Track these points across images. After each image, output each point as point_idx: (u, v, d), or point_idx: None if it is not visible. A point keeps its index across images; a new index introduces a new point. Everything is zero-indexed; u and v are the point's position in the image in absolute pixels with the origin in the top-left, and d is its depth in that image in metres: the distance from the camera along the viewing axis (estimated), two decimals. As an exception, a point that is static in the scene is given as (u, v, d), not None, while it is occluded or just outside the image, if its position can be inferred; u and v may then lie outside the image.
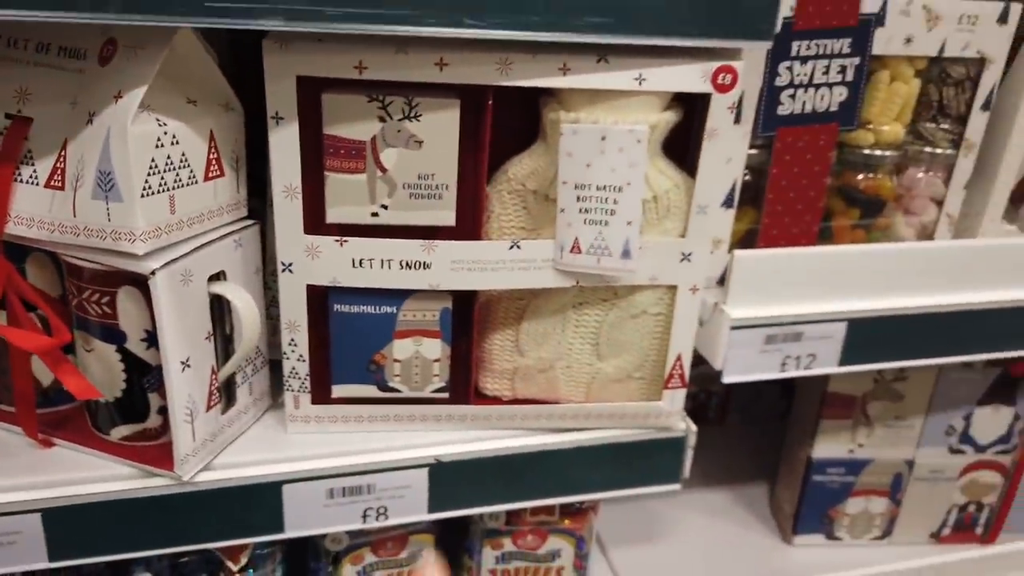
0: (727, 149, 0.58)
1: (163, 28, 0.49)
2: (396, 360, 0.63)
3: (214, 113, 0.56)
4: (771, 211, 0.69)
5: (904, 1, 0.65)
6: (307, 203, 0.57)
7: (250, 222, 0.60)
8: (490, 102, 0.55)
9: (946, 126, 0.73)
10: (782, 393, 1.09)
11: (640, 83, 0.55)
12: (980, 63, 0.70)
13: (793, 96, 0.66)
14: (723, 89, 0.56)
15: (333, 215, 0.58)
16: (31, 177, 0.53)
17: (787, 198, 0.69)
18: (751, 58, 0.61)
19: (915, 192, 0.74)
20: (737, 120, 0.64)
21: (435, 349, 0.63)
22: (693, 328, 0.64)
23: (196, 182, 0.55)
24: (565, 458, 0.67)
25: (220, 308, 0.59)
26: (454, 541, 0.79)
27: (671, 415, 0.67)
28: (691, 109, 0.58)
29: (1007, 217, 0.77)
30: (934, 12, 0.66)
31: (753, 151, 0.67)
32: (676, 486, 0.71)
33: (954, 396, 0.88)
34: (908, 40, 0.66)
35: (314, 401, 0.63)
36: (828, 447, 0.90)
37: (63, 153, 0.52)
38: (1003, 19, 0.68)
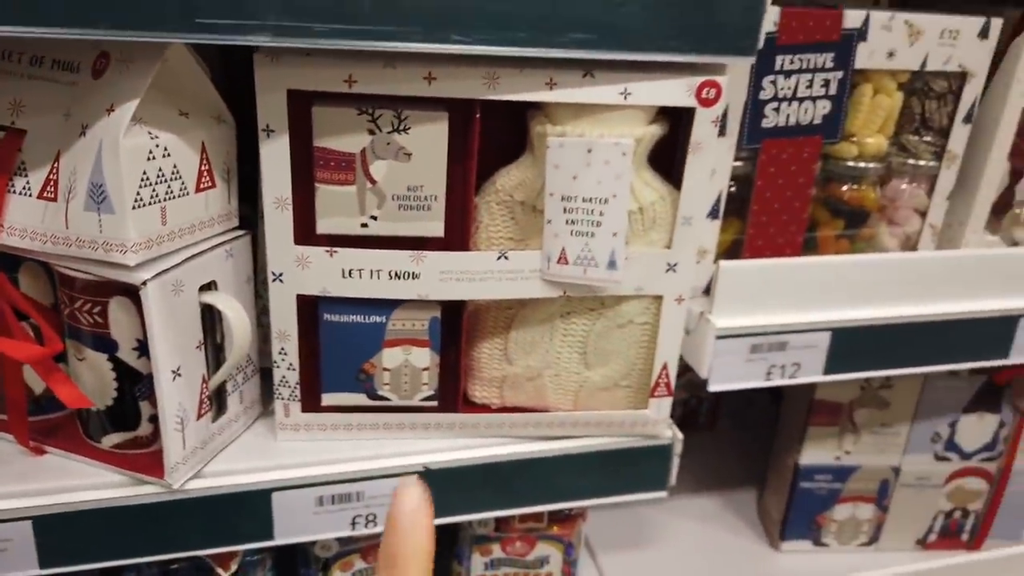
0: (712, 161, 0.59)
1: (155, 44, 0.50)
2: (385, 369, 0.64)
3: (206, 125, 0.57)
4: (756, 222, 0.70)
5: (886, 16, 0.66)
6: (297, 214, 0.57)
7: (241, 232, 0.61)
8: (478, 115, 0.56)
9: (929, 138, 0.74)
10: (772, 399, 1.10)
11: (625, 97, 0.56)
12: (962, 77, 0.71)
13: (777, 109, 0.67)
14: (707, 103, 0.57)
15: (323, 226, 0.59)
16: (24, 188, 0.54)
17: (772, 209, 0.70)
18: (735, 72, 0.62)
19: (899, 203, 0.75)
20: (722, 133, 0.65)
21: (424, 358, 0.64)
22: (679, 337, 0.65)
23: (187, 194, 0.55)
24: (552, 466, 0.68)
25: (211, 317, 0.60)
26: (444, 547, 0.80)
27: (657, 423, 0.68)
28: (676, 122, 0.59)
29: (989, 227, 0.78)
30: (916, 27, 0.67)
31: (738, 163, 0.68)
32: (663, 493, 0.72)
33: (940, 404, 0.89)
34: (890, 54, 0.67)
35: (304, 409, 0.64)
36: (815, 454, 0.91)
37: (56, 165, 0.53)
38: (984, 34, 0.69)
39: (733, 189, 0.69)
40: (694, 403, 1.11)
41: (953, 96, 0.72)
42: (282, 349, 0.61)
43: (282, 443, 0.65)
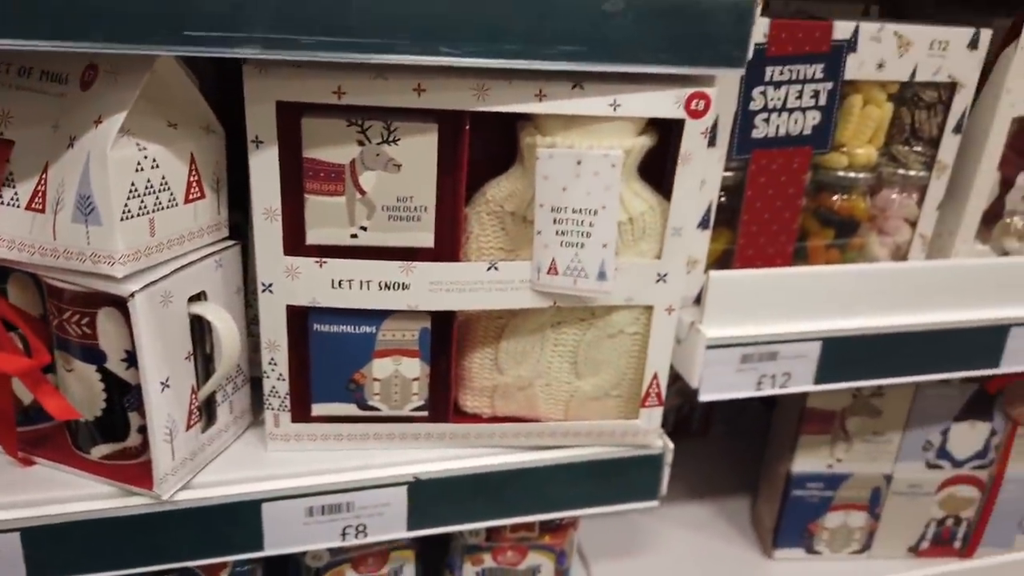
0: (701, 172, 0.59)
1: (144, 56, 0.50)
2: (376, 379, 0.63)
3: (195, 136, 0.57)
4: (746, 232, 0.70)
5: (875, 28, 0.66)
6: (287, 225, 0.57)
7: (231, 242, 0.61)
8: (467, 126, 0.56)
9: (919, 148, 0.74)
10: (766, 406, 1.10)
11: (615, 109, 0.56)
12: (951, 87, 0.71)
13: (767, 120, 0.67)
14: (696, 115, 0.57)
15: (313, 236, 0.58)
16: (12, 199, 0.54)
17: (762, 219, 0.70)
18: (725, 83, 0.62)
19: (889, 213, 0.75)
20: (712, 143, 0.65)
21: (414, 368, 0.64)
22: (669, 347, 0.65)
23: (176, 205, 0.55)
24: (543, 476, 0.68)
25: (201, 327, 0.60)
26: (435, 557, 0.80)
27: (648, 433, 0.68)
28: (666, 133, 0.59)
29: (979, 237, 0.79)
30: (905, 38, 0.67)
31: (728, 173, 0.68)
32: (654, 503, 0.72)
33: (931, 412, 0.90)
34: (880, 65, 0.68)
35: (294, 419, 0.64)
36: (807, 462, 0.91)
37: (44, 176, 0.53)
38: (973, 45, 0.70)
39: (723, 199, 0.69)
40: (687, 410, 1.11)
41: (943, 106, 0.72)
42: (272, 359, 0.61)
43: (272, 453, 0.65)
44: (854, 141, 0.71)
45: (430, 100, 0.54)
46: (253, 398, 0.67)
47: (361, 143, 0.56)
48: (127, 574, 0.61)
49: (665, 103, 0.56)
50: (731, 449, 1.12)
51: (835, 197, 0.73)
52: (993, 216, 0.80)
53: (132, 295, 0.52)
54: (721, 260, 0.72)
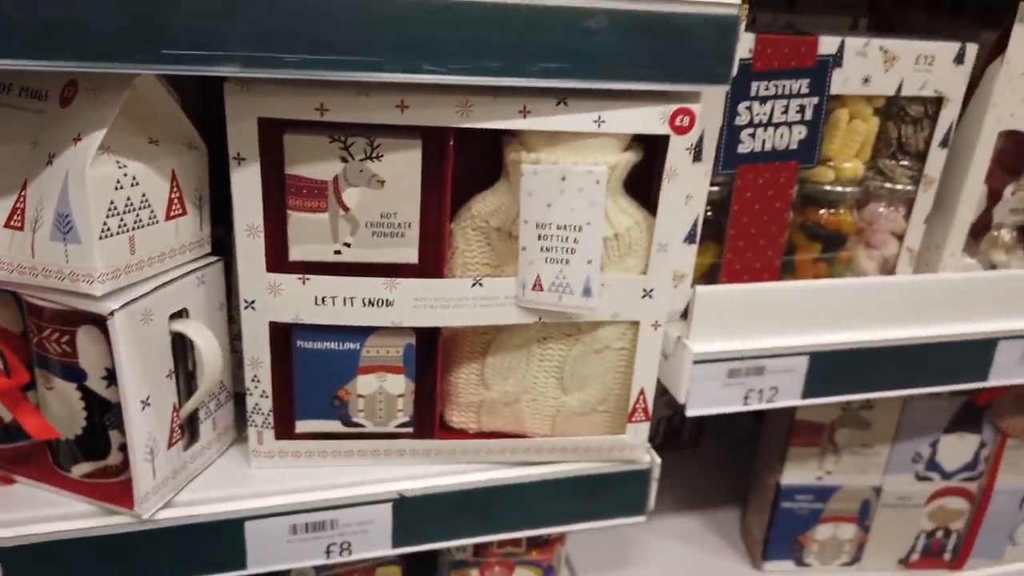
0: (687, 188, 0.59)
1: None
2: (360, 395, 0.63)
3: (176, 152, 0.56)
4: (733, 246, 0.70)
5: (861, 43, 0.66)
6: (269, 241, 0.57)
7: (213, 259, 0.61)
8: (451, 142, 0.56)
9: (906, 162, 0.74)
10: (756, 417, 1.10)
11: (599, 125, 0.55)
12: (938, 102, 0.71)
13: (753, 135, 0.67)
14: (681, 131, 0.57)
15: (296, 253, 0.58)
16: (-9, 217, 0.53)
17: (749, 234, 0.70)
18: (710, 98, 0.62)
19: (876, 226, 0.75)
20: (697, 158, 0.65)
21: (399, 385, 0.63)
22: (656, 363, 0.64)
23: (157, 222, 0.55)
24: (530, 491, 0.67)
25: (183, 344, 0.59)
26: (422, 572, 0.79)
27: (635, 448, 0.68)
28: (652, 148, 0.59)
29: (967, 250, 0.79)
30: (891, 53, 0.67)
31: (715, 188, 0.68)
32: (641, 518, 0.71)
33: (920, 424, 0.90)
34: (866, 80, 0.68)
35: (278, 436, 0.63)
36: (796, 474, 0.91)
37: (23, 193, 0.52)
38: (959, 59, 0.70)
39: (710, 214, 0.69)
40: (677, 420, 1.11)
41: (929, 120, 0.72)
42: (255, 376, 0.61)
43: (256, 470, 0.64)
44: (841, 155, 0.71)
45: (413, 117, 0.54)
46: (237, 414, 0.67)
47: (344, 159, 0.56)
48: (108, 593, 0.61)
49: (650, 119, 0.56)
50: (721, 460, 1.12)
51: (822, 211, 0.73)
52: (980, 229, 0.80)
53: (111, 314, 0.51)
54: (708, 274, 0.72)
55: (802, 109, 0.67)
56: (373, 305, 0.59)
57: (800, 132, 0.68)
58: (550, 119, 0.55)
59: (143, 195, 0.53)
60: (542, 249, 0.58)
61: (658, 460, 0.70)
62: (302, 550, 0.63)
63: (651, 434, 0.68)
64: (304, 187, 0.56)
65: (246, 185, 0.55)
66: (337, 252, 0.58)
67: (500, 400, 0.65)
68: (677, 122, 0.56)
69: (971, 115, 0.73)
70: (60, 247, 0.51)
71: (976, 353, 0.76)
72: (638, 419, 0.66)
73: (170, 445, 0.59)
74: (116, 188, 0.51)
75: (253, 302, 0.58)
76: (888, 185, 0.74)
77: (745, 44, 0.63)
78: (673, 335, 0.69)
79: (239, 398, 0.66)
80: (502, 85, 0.52)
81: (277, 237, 0.57)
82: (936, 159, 0.74)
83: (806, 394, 0.72)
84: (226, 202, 0.62)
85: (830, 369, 0.72)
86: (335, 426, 0.64)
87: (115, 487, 0.59)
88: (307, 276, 0.58)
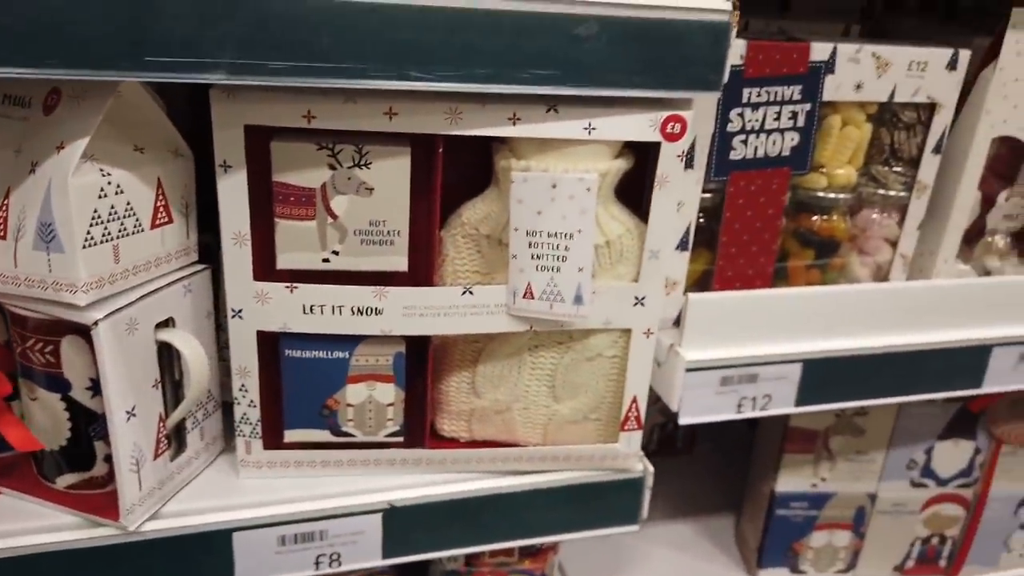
0: (679, 195, 0.58)
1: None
2: (349, 405, 0.62)
3: (162, 160, 0.56)
4: (725, 253, 0.70)
5: (853, 49, 0.66)
6: (257, 250, 0.56)
7: (200, 267, 0.60)
8: (440, 150, 0.55)
9: (899, 169, 0.74)
10: (750, 423, 1.10)
11: (590, 132, 0.55)
12: (931, 108, 0.71)
13: (745, 141, 0.66)
14: (672, 138, 0.56)
15: (283, 261, 0.57)
16: (-26, 225, 0.53)
17: (741, 240, 0.69)
18: (702, 105, 0.62)
19: (869, 233, 0.75)
20: (689, 165, 0.65)
21: (389, 393, 0.63)
22: (648, 371, 0.64)
23: (142, 230, 0.54)
24: (522, 501, 0.67)
25: (169, 354, 0.59)
26: (414, 582, 0.79)
27: (628, 456, 0.67)
28: (643, 155, 0.59)
29: (961, 256, 0.78)
30: (883, 59, 0.67)
31: (707, 195, 0.68)
32: (635, 527, 0.71)
33: (915, 431, 0.89)
34: (858, 86, 0.67)
35: (266, 446, 0.63)
36: (791, 481, 0.90)
37: (6, 202, 0.52)
38: (952, 66, 0.70)
39: (702, 220, 0.69)
40: (671, 428, 1.10)
41: (922, 127, 0.72)
42: (243, 386, 0.60)
43: (244, 480, 0.63)
44: (833, 162, 0.71)
45: (402, 124, 0.53)
46: (225, 424, 0.66)
47: (332, 167, 0.55)
48: (94, 606, 0.60)
49: (640, 126, 0.55)
50: (716, 467, 1.12)
51: (815, 218, 0.72)
52: (974, 235, 0.79)
53: (95, 323, 0.51)
54: (700, 281, 0.72)
55: (794, 115, 0.67)
56: (362, 313, 0.59)
57: (792, 138, 0.68)
58: (540, 126, 0.55)
59: (128, 203, 0.53)
60: (533, 257, 0.57)
61: (651, 469, 0.69)
62: (291, 561, 0.63)
63: (644, 441, 0.67)
64: (292, 195, 0.55)
65: (233, 193, 0.54)
66: (325, 260, 0.58)
67: (491, 408, 0.65)
68: (668, 129, 0.56)
69: (964, 121, 0.73)
70: (43, 256, 0.50)
71: (970, 360, 0.76)
72: (631, 427, 0.66)
73: (156, 456, 0.58)
74: (100, 196, 0.50)
75: (240, 311, 0.58)
76: (881, 191, 0.73)
77: (737, 50, 0.63)
78: (666, 343, 0.69)
79: (227, 407, 0.65)
80: (492, 92, 0.52)
81: (264, 245, 0.57)
82: (929, 165, 0.73)
83: (799, 402, 0.72)
84: (214, 209, 0.61)
85: (823, 376, 0.71)
86: (324, 435, 0.63)
87: (100, 498, 0.59)
88: (295, 284, 0.57)
